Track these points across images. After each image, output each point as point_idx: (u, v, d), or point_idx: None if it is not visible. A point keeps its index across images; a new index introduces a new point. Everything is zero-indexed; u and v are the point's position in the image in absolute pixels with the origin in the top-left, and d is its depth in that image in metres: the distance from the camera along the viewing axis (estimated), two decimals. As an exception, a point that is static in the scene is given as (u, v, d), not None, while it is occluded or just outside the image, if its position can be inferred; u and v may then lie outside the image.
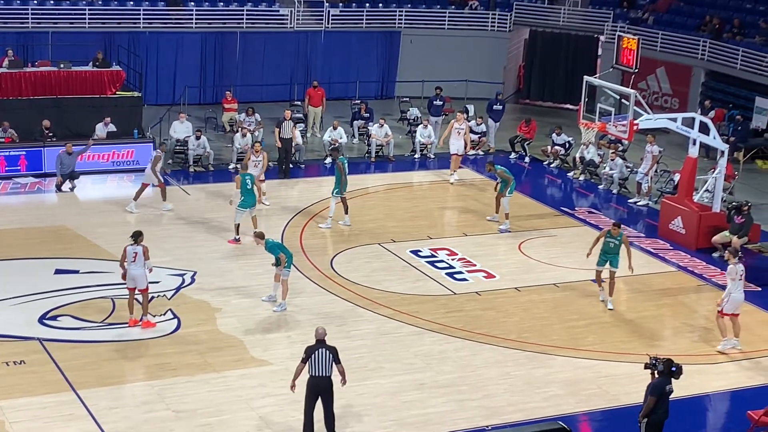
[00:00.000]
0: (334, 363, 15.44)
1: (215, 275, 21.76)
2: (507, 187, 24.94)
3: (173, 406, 16.54)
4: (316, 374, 15.39)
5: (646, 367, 15.23)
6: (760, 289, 22.58)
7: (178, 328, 19.32)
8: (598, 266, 21.14)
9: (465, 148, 29.08)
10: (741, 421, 16.47)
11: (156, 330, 19.11)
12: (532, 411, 16.85)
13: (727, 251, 21.01)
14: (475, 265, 23.09)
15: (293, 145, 28.71)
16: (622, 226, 21.38)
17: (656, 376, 15.11)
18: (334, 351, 15.50)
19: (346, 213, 24.81)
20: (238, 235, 23.68)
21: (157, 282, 21.06)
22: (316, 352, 15.37)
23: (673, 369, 15.11)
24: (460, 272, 22.74)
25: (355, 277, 22.09)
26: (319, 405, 15.55)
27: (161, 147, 26.49)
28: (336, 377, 15.59)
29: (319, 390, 15.46)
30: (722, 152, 25.28)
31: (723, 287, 22.26)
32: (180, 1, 35.70)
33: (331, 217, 24.76)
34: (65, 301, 20.08)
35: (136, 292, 19.11)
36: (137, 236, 19.23)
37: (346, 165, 24.65)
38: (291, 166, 28.83)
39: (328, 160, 29.98)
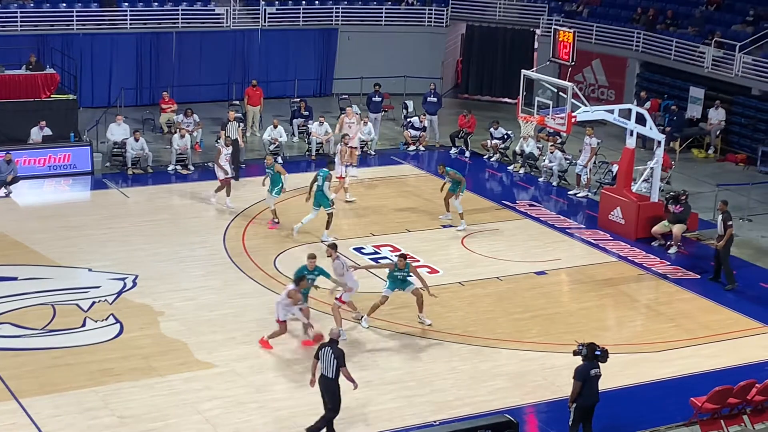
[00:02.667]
0: (338, 366, 15.48)
1: (156, 278, 21.54)
2: (459, 188, 24.93)
3: (118, 411, 16.34)
4: (322, 372, 15.64)
5: (575, 354, 15.50)
6: (699, 276, 22.89)
7: (120, 332, 19.10)
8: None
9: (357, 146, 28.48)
10: (685, 408, 16.67)
11: (97, 335, 18.88)
12: (479, 405, 16.92)
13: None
14: (418, 261, 23.10)
15: (238, 145, 28.42)
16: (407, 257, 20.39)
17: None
18: (338, 354, 15.52)
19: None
20: (276, 218, 24.32)
21: (98, 287, 20.85)
22: (321, 351, 15.62)
23: (597, 353, 15.34)
24: (404, 268, 22.73)
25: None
26: None
27: (226, 140, 26.57)
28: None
29: (323, 389, 15.70)
30: (659, 142, 25.59)
31: (663, 276, 22.59)
32: (114, 2, 35.26)
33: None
34: (4, 308, 19.73)
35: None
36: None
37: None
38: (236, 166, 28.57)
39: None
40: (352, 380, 15.78)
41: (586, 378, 15.31)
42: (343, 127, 28.72)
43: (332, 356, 15.51)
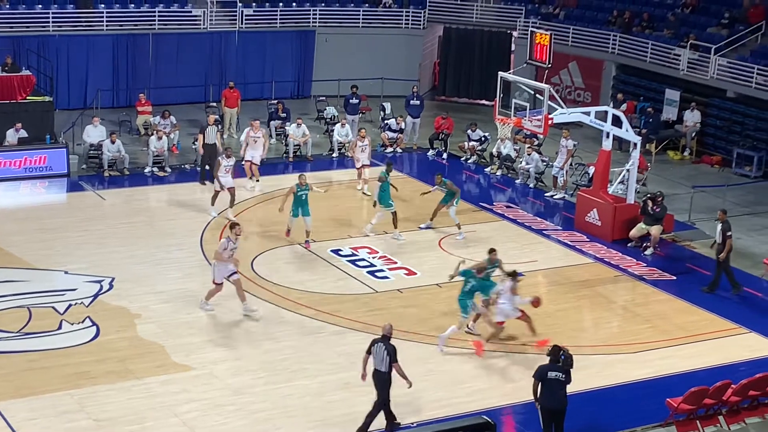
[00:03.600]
0: (390, 361, 15.79)
1: (133, 281, 21.47)
2: (453, 199, 24.84)
3: (94, 414, 16.28)
4: (375, 367, 15.94)
5: (547, 355, 15.61)
6: (675, 278, 23.02)
7: (97, 335, 19.02)
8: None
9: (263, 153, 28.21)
10: (661, 408, 16.75)
11: (73, 338, 18.81)
12: (457, 406, 16.95)
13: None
14: (396, 263, 23.14)
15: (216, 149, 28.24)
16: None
17: None
18: (391, 349, 15.82)
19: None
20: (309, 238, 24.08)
21: (74, 289, 20.77)
22: (374, 347, 15.94)
23: (562, 357, 15.37)
24: (382, 270, 22.77)
25: (277, 278, 21.99)
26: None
27: (226, 152, 25.73)
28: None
29: (375, 382, 15.99)
30: (635, 144, 25.71)
31: (639, 277, 22.70)
32: (90, 3, 35.11)
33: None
34: (-21, 311, 19.64)
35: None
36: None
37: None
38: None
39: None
40: (405, 377, 16.01)
41: (542, 378, 15.34)
42: (249, 141, 27.97)
43: (385, 351, 15.78)
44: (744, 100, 32.31)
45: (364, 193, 27.73)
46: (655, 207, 24.50)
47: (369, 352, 16.00)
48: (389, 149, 31.91)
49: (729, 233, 22.15)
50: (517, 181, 29.59)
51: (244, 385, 17.50)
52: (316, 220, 24.22)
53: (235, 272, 19.90)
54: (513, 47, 38.81)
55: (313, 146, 31.28)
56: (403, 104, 33.41)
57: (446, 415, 16.61)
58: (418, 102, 33.10)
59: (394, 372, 15.91)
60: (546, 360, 15.62)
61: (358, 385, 17.51)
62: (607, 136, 25.45)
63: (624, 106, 32.98)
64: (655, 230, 24.30)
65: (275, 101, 33.89)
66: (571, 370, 15.52)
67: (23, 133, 28.26)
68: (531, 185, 29.23)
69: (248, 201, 26.86)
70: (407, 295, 21.57)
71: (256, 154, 27.87)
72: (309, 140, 30.90)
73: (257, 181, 27.86)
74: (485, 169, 30.63)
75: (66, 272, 21.78)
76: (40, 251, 22.82)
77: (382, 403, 16.02)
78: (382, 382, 15.94)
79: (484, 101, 38.26)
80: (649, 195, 25.20)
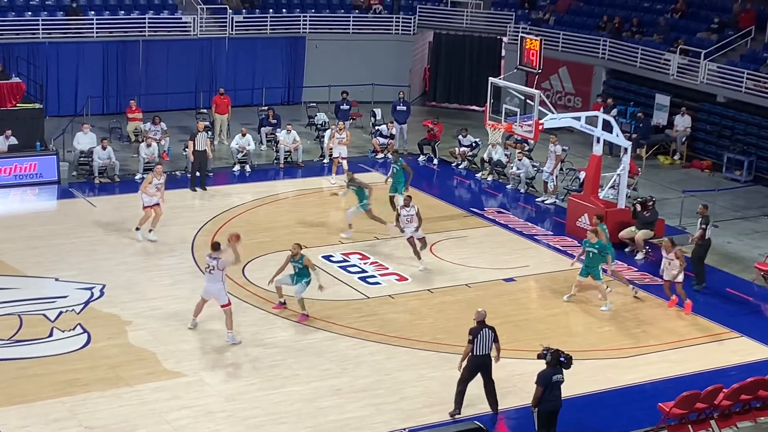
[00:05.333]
0: (493, 342, 16.59)
1: (124, 288, 21.43)
2: (365, 198, 24.82)
3: (85, 422, 16.24)
4: (479, 353, 16.51)
5: (539, 357, 15.72)
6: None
7: (88, 342, 18.97)
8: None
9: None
10: (652, 413, 16.77)
11: (64, 345, 18.76)
12: (445, 412, 16.91)
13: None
14: (387, 269, 23.14)
15: (206, 156, 28.24)
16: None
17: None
18: (494, 330, 16.64)
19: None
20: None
21: (65, 296, 20.72)
22: (481, 333, 16.48)
23: (562, 360, 15.47)
24: (373, 276, 22.77)
25: (268, 284, 21.92)
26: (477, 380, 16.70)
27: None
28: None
29: (480, 367, 16.61)
30: (625, 149, 25.75)
31: (630, 281, 22.70)
32: (80, 11, 35.10)
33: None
34: (-30, 319, 19.59)
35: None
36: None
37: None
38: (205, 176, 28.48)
39: (237, 167, 29.86)
40: (499, 353, 16.80)
41: (547, 384, 15.42)
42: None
43: (491, 335, 16.55)
44: (734, 104, 32.41)
45: (333, 191, 27.53)
46: (645, 212, 24.55)
47: (472, 341, 16.46)
48: (380, 155, 31.92)
49: (704, 226, 22.69)
50: (508, 187, 29.64)
51: (236, 391, 17.47)
52: (305, 226, 24.24)
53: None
54: (503, 53, 38.88)
55: (304, 152, 31.28)
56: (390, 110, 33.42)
57: (438, 421, 16.58)
58: (404, 108, 33.12)
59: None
60: (541, 365, 15.66)
61: (350, 392, 17.55)
62: (598, 141, 25.50)
63: (615, 111, 33.04)
64: (640, 234, 24.30)
65: (266, 107, 33.89)
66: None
67: (13, 141, 28.21)
68: (522, 190, 29.27)
69: (238, 208, 26.82)
70: (398, 300, 21.57)
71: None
72: (300, 146, 30.91)
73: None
74: (476, 175, 30.66)
75: (57, 279, 21.73)
76: (30, 258, 22.77)
77: (493, 380, 16.74)
78: (488, 364, 16.64)
79: (474, 107, 38.31)
80: (638, 199, 25.24)
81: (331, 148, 29.52)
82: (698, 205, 23.66)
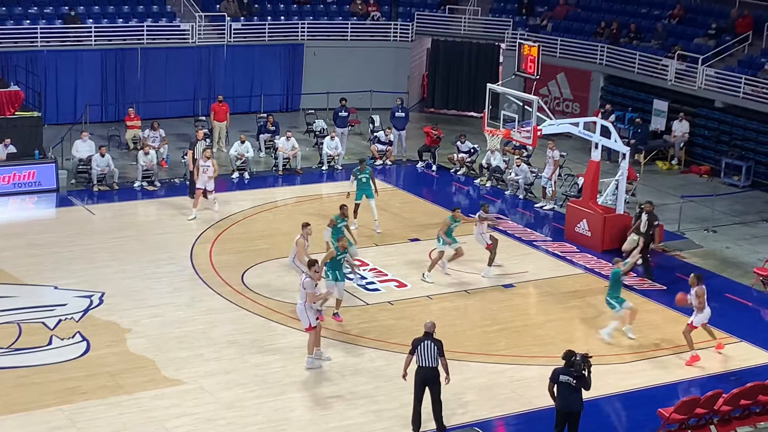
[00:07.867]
0: (438, 356, 16.12)
1: (123, 295, 21.42)
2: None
3: (85, 430, 16.22)
4: (423, 365, 16.13)
5: (562, 359, 15.62)
6: (665, 287, 23.04)
7: (87, 350, 18.96)
8: None
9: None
10: (652, 419, 16.76)
11: (63, 353, 18.75)
12: (448, 418, 16.89)
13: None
14: (386, 275, 23.14)
15: None
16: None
17: None
18: (438, 344, 16.16)
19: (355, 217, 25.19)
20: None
21: (64, 304, 20.72)
22: (421, 344, 16.13)
23: (572, 359, 15.40)
24: (372, 282, 22.76)
25: (267, 291, 21.95)
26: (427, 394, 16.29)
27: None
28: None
29: (426, 380, 16.19)
30: (624, 155, 25.76)
31: (630, 287, 22.69)
32: (78, 19, 35.12)
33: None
34: (-31, 328, 19.58)
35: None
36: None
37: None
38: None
39: (236, 174, 29.88)
40: (447, 372, 16.24)
41: (555, 380, 15.46)
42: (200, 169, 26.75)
43: (433, 348, 16.08)
44: (732, 110, 32.43)
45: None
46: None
47: (412, 352, 16.21)
48: (378, 162, 31.93)
49: (656, 222, 23.30)
50: (507, 193, 29.64)
51: (236, 399, 17.46)
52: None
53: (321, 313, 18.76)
54: (501, 59, 38.89)
55: (303, 159, 31.29)
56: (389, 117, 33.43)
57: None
58: (402, 114, 33.12)
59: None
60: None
61: (350, 398, 17.53)
62: (596, 147, 25.52)
63: (613, 117, 33.07)
64: (627, 244, 24.01)
65: (264, 114, 33.91)
66: (585, 374, 15.46)
67: (12, 149, 28.21)
68: (520, 196, 29.28)
69: (236, 215, 26.83)
70: (397, 307, 21.56)
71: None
72: (298, 153, 30.92)
73: None
74: (475, 181, 30.67)
75: (56, 287, 21.73)
76: (29, 267, 22.77)
77: (438, 398, 16.29)
78: (434, 378, 16.21)
79: (472, 113, 38.33)
80: (642, 205, 25.14)
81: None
82: (697, 211, 23.68)
